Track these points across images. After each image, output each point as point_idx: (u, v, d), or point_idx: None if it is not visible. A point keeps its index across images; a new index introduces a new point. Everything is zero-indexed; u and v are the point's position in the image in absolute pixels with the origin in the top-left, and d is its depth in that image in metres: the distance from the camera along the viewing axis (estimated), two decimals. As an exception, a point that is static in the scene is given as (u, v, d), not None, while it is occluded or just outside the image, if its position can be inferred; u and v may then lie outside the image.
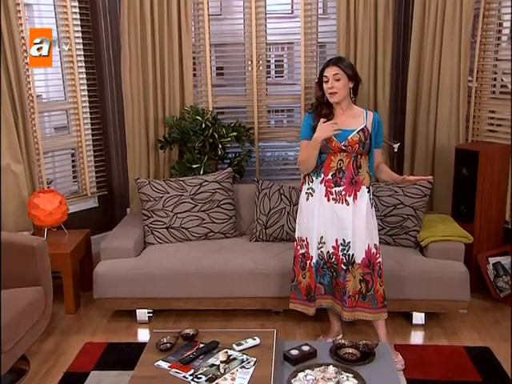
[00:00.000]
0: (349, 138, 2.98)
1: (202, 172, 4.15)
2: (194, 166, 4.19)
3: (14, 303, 2.90)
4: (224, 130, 4.25)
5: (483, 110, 4.22)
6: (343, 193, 3.01)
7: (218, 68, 5.42)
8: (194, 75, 4.71)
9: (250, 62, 4.70)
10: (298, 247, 3.21)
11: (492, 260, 3.94)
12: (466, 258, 3.84)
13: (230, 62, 5.12)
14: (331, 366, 2.45)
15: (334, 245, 3.07)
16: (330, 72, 2.96)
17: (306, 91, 4.69)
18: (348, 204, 3.01)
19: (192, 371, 2.41)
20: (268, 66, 4.97)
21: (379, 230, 3.69)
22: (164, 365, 2.47)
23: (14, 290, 3.02)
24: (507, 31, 4.31)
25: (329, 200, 3.04)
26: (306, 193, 3.12)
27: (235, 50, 4.95)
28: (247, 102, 4.81)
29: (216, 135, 4.20)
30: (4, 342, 2.70)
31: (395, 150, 4.37)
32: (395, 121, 4.68)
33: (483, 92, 4.20)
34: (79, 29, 4.56)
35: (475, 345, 3.32)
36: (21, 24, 4.11)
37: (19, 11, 4.08)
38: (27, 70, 4.24)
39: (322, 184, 3.04)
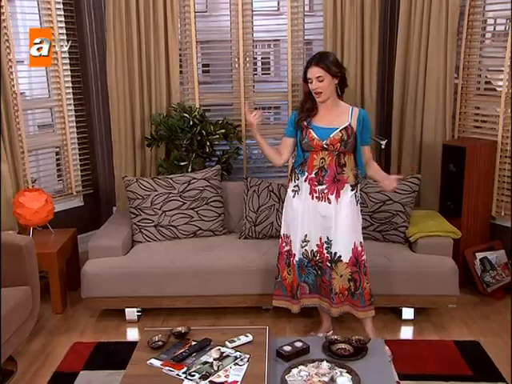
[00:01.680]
0: (330, 136, 2.97)
1: (190, 169, 4.13)
2: (182, 164, 4.16)
3: (2, 303, 2.84)
4: (212, 127, 4.23)
5: (469, 107, 4.26)
6: (326, 191, 3.01)
7: (204, 65, 5.40)
8: (181, 72, 4.68)
9: (236, 60, 4.68)
10: (284, 244, 3.21)
11: (479, 255, 3.97)
12: (454, 254, 3.87)
13: (216, 60, 5.10)
14: (325, 362, 2.46)
15: (318, 243, 3.08)
16: (313, 74, 2.94)
17: (293, 88, 4.69)
18: (330, 202, 3.01)
19: (185, 369, 2.39)
20: (255, 64, 4.95)
21: (368, 227, 3.76)
22: (156, 363, 2.45)
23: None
24: (491, 28, 4.36)
25: (313, 198, 3.04)
26: (293, 190, 3.12)
27: (222, 47, 4.92)
28: (234, 100, 4.80)
29: (204, 132, 4.17)
30: (-7, 343, 2.66)
31: (382, 146, 4.40)
32: (382, 117, 4.69)
33: (469, 89, 4.23)
34: (63, 25, 4.50)
35: (465, 339, 3.33)
36: (3, 20, 4.05)
37: (2, 6, 4.01)
38: (10, 66, 4.18)
39: (307, 182, 3.05)
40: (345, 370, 2.42)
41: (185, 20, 4.62)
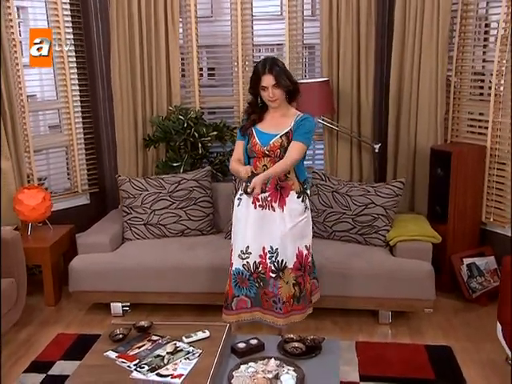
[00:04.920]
0: (271, 142, 2.93)
1: (182, 170, 4.23)
2: (175, 165, 4.27)
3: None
4: (204, 129, 4.32)
5: (462, 112, 4.21)
6: (269, 199, 2.96)
7: (209, 69, 5.53)
8: (183, 76, 4.80)
9: (236, 63, 4.76)
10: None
11: (466, 261, 3.92)
12: (441, 259, 3.86)
13: (220, 63, 5.20)
14: (272, 359, 2.50)
15: (261, 253, 3.00)
16: (269, 82, 2.87)
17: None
18: (274, 210, 2.96)
19: (137, 361, 2.48)
20: (255, 67, 5.01)
21: (350, 229, 3.78)
22: (112, 355, 2.55)
23: (-17, 281, 3.14)
24: (494, 32, 4.29)
25: (255, 207, 2.99)
26: (238, 199, 3.09)
27: (224, 52, 5.01)
28: (234, 103, 4.88)
29: (196, 134, 4.27)
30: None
31: (376, 150, 4.40)
32: (379, 122, 4.67)
33: (462, 93, 4.19)
34: (71, 30, 4.67)
35: (437, 344, 3.31)
36: (11, 26, 4.24)
37: (9, 11, 4.21)
38: (18, 70, 4.37)
39: None
40: (292, 368, 2.47)
41: (187, 25, 4.73)
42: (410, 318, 3.65)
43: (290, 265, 3.01)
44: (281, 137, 2.94)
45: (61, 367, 3.11)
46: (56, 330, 3.61)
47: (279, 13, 5.26)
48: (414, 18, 4.12)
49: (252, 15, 4.71)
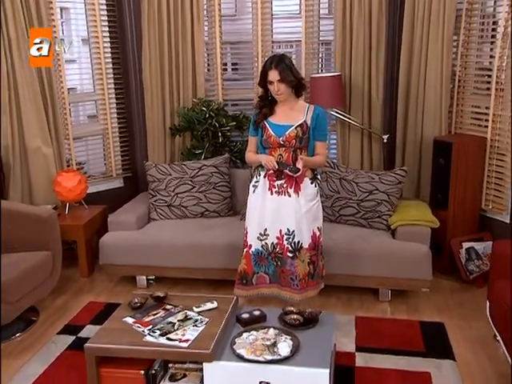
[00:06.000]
0: (286, 133, 2.99)
1: (203, 157, 4.34)
2: (197, 152, 4.38)
3: (21, 263, 3.20)
4: (224, 119, 4.41)
5: (466, 105, 4.19)
6: (285, 185, 3.03)
7: (233, 64, 5.60)
8: (208, 70, 4.90)
9: (256, 59, 4.82)
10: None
11: (465, 245, 3.92)
12: (441, 243, 3.88)
13: (242, 59, 5.27)
14: (272, 329, 2.60)
15: (278, 235, 3.08)
16: (274, 77, 2.94)
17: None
18: (290, 196, 3.02)
19: (150, 326, 2.61)
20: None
21: (355, 214, 3.83)
22: (129, 320, 2.68)
23: (23, 253, 3.31)
24: (499, 29, 4.24)
25: (272, 193, 3.06)
26: (253, 186, 3.15)
27: (247, 48, 5.07)
28: (254, 95, 4.93)
29: (217, 124, 4.36)
30: (10, 295, 3.00)
31: (384, 140, 4.42)
32: (390, 114, 4.67)
33: (466, 88, 4.16)
34: (107, 29, 4.80)
35: (431, 320, 3.35)
36: (54, 26, 4.39)
37: (52, 12, 4.36)
38: (59, 65, 4.54)
39: (266, 178, 3.07)
40: (289, 337, 2.56)
41: (211, 23, 4.81)
42: (410, 296, 3.69)
43: (306, 245, 3.09)
44: (296, 128, 3.00)
45: (89, 331, 3.27)
46: (88, 298, 3.79)
47: (298, 11, 5.29)
48: (421, 17, 4.11)
49: (272, 14, 4.76)
